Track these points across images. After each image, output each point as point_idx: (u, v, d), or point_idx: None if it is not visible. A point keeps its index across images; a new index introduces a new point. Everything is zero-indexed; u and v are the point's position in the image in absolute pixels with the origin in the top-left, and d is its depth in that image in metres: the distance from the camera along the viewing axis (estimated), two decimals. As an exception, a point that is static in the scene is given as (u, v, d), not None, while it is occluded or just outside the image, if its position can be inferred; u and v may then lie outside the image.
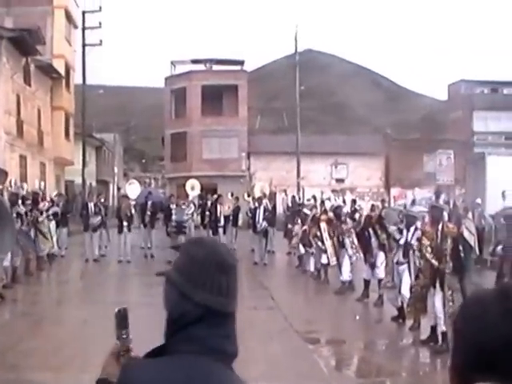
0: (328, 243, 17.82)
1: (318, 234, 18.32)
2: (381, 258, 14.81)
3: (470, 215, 21.85)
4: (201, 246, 2.15)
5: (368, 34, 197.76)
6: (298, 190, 42.38)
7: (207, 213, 24.16)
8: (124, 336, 2.32)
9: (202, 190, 29.12)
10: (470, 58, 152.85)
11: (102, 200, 24.84)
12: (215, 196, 27.33)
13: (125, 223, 22.57)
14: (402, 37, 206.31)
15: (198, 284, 2.05)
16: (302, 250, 20.64)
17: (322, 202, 21.85)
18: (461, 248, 10.59)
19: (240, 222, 27.92)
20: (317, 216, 19.21)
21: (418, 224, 12.60)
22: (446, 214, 11.60)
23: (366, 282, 15.39)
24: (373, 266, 15.11)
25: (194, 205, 26.46)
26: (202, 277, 2.06)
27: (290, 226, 23.42)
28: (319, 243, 18.25)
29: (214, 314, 2.03)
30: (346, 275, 16.55)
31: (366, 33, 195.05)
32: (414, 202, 16.54)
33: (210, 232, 23.30)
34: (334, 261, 17.76)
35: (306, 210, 21.19)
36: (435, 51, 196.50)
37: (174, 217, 22.67)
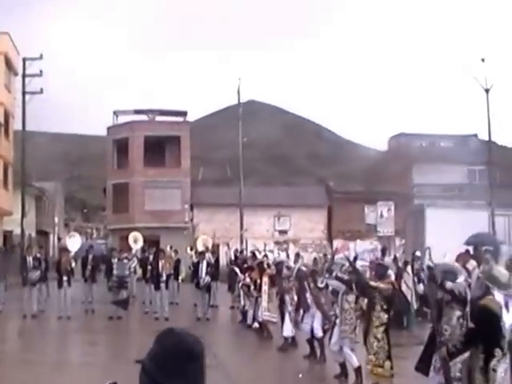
0: (265, 297, 17.90)
1: (256, 286, 18.48)
2: (318, 316, 14.86)
3: (409, 269, 22.24)
4: (171, 337, 2.50)
5: (311, 86, 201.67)
6: (242, 242, 42.39)
7: (149, 267, 23.90)
8: None
9: (144, 242, 28.85)
10: (410, 111, 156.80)
11: (39, 255, 24.24)
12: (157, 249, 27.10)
13: (65, 277, 22.14)
14: (346, 89, 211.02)
15: (170, 373, 2.35)
16: (242, 302, 20.64)
17: (265, 256, 21.85)
18: (383, 304, 10.78)
19: (183, 275, 27.70)
20: (257, 269, 19.23)
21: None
22: (390, 272, 11.73)
23: (308, 340, 15.30)
24: (311, 324, 15.09)
25: (137, 258, 26.22)
26: (172, 366, 2.36)
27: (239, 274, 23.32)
28: (260, 297, 18.32)
29: None
30: (286, 331, 16.39)
31: (309, 85, 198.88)
32: (356, 257, 16.59)
33: (152, 286, 23.02)
34: (266, 316, 17.83)
35: (249, 263, 21.29)
36: (377, 104, 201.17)
37: (115, 271, 22.41)
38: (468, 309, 8.32)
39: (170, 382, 2.33)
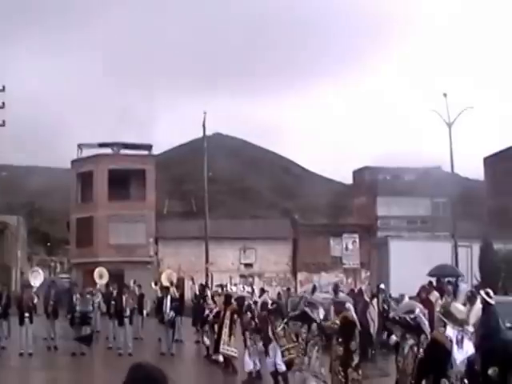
0: (225, 331, 17.87)
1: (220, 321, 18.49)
2: (279, 351, 14.88)
3: (374, 301, 22.35)
4: (140, 370, 3.01)
5: (276, 119, 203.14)
6: (207, 275, 42.18)
7: (112, 302, 23.63)
8: None
9: (109, 276, 28.59)
10: (375, 144, 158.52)
11: (0, 290, 23.87)
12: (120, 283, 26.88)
13: (26, 314, 21.81)
14: (311, 123, 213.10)
15: None
16: (207, 340, 20.58)
17: (227, 291, 21.65)
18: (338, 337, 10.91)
19: (147, 310, 27.45)
20: (222, 305, 19.19)
21: (321, 310, 12.80)
22: (348, 305, 11.88)
23: (272, 374, 15.21)
24: (274, 359, 15.07)
25: (102, 293, 25.94)
26: None
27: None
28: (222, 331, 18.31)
29: None
30: (247, 366, 16.33)
31: (274, 118, 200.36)
32: (314, 289, 16.70)
33: (116, 322, 22.76)
34: (225, 349, 17.82)
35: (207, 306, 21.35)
36: (341, 137, 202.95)
37: (78, 307, 22.14)
38: (422, 339, 8.47)
39: None
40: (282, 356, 14.82)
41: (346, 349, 10.78)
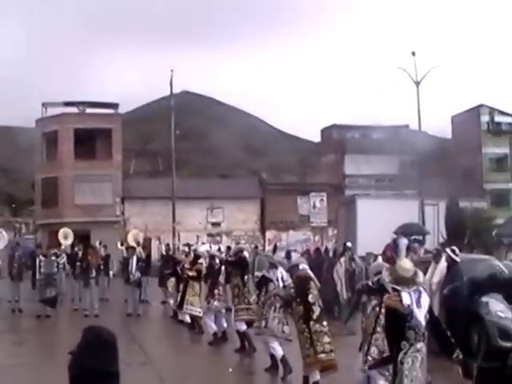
0: (189, 290, 18.02)
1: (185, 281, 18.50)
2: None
3: (342, 259, 22.41)
4: (92, 331, 3.29)
5: (245, 77, 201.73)
6: (174, 235, 42.01)
7: (78, 263, 23.38)
8: None
9: (74, 237, 28.31)
10: (343, 102, 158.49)
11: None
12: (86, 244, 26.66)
13: (-10, 276, 21.56)
14: (280, 80, 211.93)
15: (92, 359, 3.08)
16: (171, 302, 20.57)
17: (194, 250, 21.54)
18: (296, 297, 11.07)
19: (114, 271, 27.28)
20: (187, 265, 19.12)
21: (280, 269, 12.80)
22: (303, 266, 11.86)
23: (239, 334, 15.19)
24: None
25: (67, 254, 25.64)
26: (94, 354, 3.08)
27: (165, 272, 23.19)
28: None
29: (102, 377, 3.07)
30: (209, 327, 16.41)
31: (243, 76, 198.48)
32: (275, 249, 16.67)
33: (82, 283, 22.53)
34: (189, 309, 17.99)
35: (178, 257, 21.24)
36: (310, 95, 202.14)
37: (42, 269, 21.84)
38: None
39: (93, 366, 3.01)
40: (237, 315, 14.91)
41: (305, 305, 10.84)
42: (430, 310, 7.57)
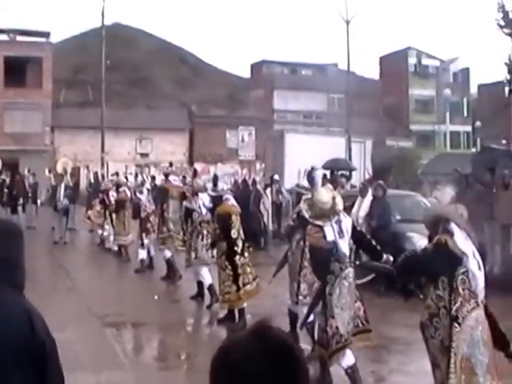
0: (115, 220, 18.44)
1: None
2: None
3: (268, 191, 22.85)
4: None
5: (176, 10, 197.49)
6: (102, 165, 41.73)
7: (5, 190, 23.14)
8: None
9: (3, 165, 27.87)
10: (272, 38, 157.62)
11: None
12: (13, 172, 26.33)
13: None
14: (209, 14, 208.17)
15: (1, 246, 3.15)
16: (104, 229, 20.62)
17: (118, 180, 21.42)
18: (220, 233, 11.03)
19: (42, 199, 27.08)
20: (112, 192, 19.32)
21: (203, 196, 12.91)
22: (228, 196, 11.86)
23: (166, 261, 15.39)
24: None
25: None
26: (2, 241, 3.16)
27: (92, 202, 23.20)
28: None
29: (11, 265, 3.17)
30: (141, 254, 16.47)
31: (174, 9, 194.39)
32: (216, 180, 16.74)
33: (9, 210, 22.36)
34: (117, 239, 18.46)
35: (104, 185, 21.29)
36: (239, 29, 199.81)
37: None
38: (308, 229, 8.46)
39: (3, 254, 3.10)
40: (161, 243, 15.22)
41: (228, 241, 10.76)
42: (353, 228, 7.81)
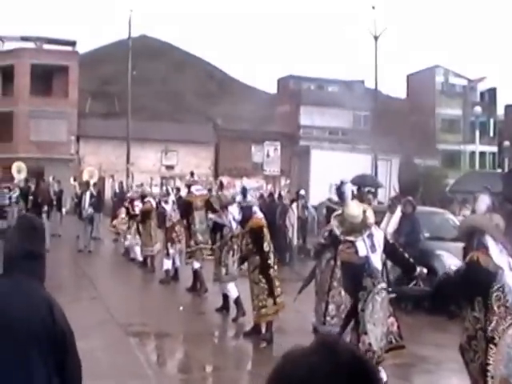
0: (142, 231, 18.42)
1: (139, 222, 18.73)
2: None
3: (294, 206, 22.70)
4: (24, 219, 3.97)
5: (204, 24, 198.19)
6: (128, 175, 41.83)
7: (30, 197, 23.21)
8: None
9: (28, 173, 28.08)
10: (300, 54, 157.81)
11: None
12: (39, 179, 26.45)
13: None
14: (238, 29, 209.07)
15: (24, 239, 3.48)
16: (127, 238, 20.59)
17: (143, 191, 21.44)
18: (252, 248, 10.79)
19: (67, 207, 27.17)
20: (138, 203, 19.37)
21: (230, 210, 12.74)
22: (255, 209, 11.65)
23: (194, 272, 15.22)
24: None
25: (20, 188, 25.43)
26: (26, 234, 3.51)
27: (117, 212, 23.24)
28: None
29: (32, 257, 3.45)
30: (166, 264, 16.38)
31: (202, 23, 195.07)
32: (245, 192, 16.57)
33: (34, 217, 22.41)
34: (144, 250, 18.41)
35: (130, 194, 21.36)
36: (267, 45, 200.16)
37: (-6, 201, 21.68)
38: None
39: (25, 246, 3.40)
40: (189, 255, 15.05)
41: (261, 254, 10.55)
42: (385, 241, 7.62)
